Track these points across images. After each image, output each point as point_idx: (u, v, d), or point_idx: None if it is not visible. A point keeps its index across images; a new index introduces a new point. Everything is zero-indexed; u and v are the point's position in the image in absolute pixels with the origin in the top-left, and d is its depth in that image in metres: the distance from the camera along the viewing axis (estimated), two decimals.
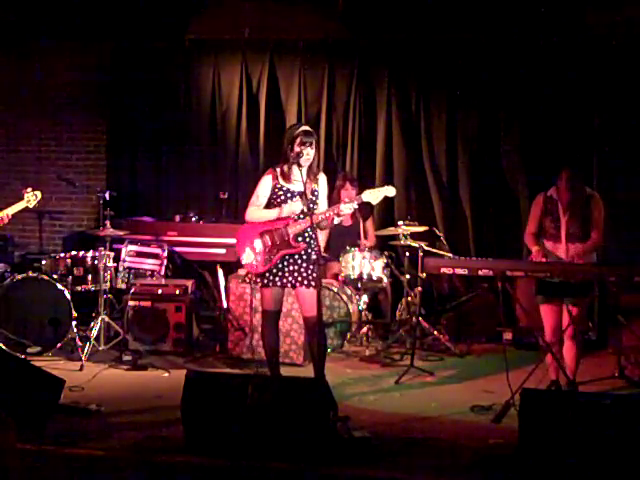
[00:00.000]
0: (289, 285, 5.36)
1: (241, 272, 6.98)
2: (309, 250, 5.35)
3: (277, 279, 5.35)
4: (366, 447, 4.56)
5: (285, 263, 5.33)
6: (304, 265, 5.33)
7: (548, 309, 5.60)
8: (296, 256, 5.33)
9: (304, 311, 5.39)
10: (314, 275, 5.26)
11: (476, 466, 4.35)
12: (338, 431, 4.56)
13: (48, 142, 8.93)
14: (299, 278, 5.32)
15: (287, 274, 5.33)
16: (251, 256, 5.38)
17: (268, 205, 5.43)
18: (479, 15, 7.84)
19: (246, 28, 8.37)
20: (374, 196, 5.30)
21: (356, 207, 5.37)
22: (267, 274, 5.35)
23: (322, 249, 7.03)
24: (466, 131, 8.22)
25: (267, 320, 5.49)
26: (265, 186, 5.42)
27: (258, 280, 5.44)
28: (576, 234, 5.50)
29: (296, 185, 5.33)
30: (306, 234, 5.34)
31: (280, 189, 5.37)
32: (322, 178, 5.47)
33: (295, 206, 5.32)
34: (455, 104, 8.23)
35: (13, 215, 6.73)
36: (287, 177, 5.35)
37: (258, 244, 5.37)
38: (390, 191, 5.35)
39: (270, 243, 5.34)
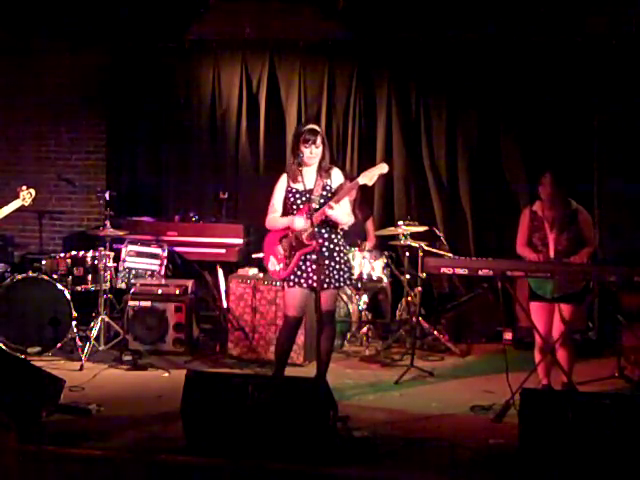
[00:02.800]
0: (314, 285, 5.27)
1: (241, 272, 7.00)
2: (331, 246, 5.33)
3: (302, 280, 5.33)
4: (366, 447, 4.56)
5: (308, 263, 5.32)
6: (326, 263, 5.29)
7: (538, 307, 5.53)
8: (314, 256, 5.23)
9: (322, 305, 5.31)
10: (334, 274, 5.29)
11: (476, 466, 4.35)
12: (338, 431, 4.56)
13: (48, 142, 8.92)
14: (326, 280, 5.28)
15: (311, 274, 5.29)
16: (275, 263, 5.43)
17: (284, 208, 5.45)
18: (479, 15, 7.84)
19: (246, 28, 8.37)
20: (368, 177, 5.25)
21: (355, 188, 5.38)
22: (292, 276, 5.35)
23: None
24: (466, 131, 8.22)
25: (287, 325, 5.44)
26: (278, 192, 5.46)
27: (285, 284, 5.43)
28: (564, 251, 5.43)
29: (302, 185, 5.34)
30: (323, 231, 5.31)
31: (290, 191, 5.41)
32: (336, 172, 5.44)
33: (298, 222, 5.29)
34: (455, 104, 8.23)
35: (12, 214, 6.77)
36: (295, 178, 5.36)
37: (279, 250, 5.42)
38: (382, 168, 5.30)
39: (288, 247, 5.37)
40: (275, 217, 5.46)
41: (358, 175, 5.36)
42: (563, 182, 5.52)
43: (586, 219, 5.53)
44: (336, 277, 5.34)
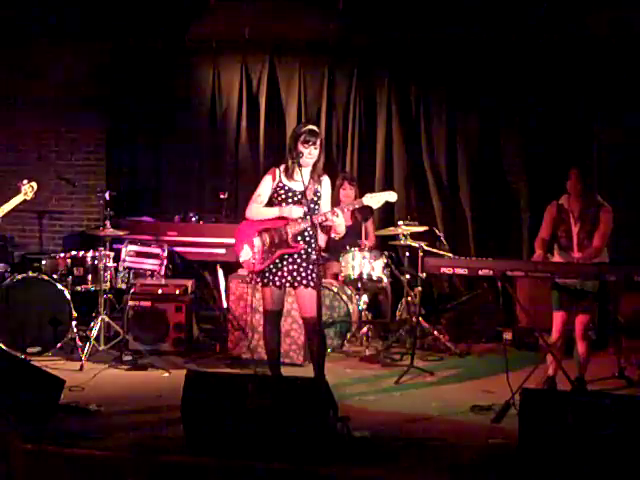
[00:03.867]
0: (288, 285, 5.34)
1: (241, 272, 6.99)
2: (309, 250, 5.32)
3: (276, 279, 5.33)
4: (366, 447, 4.56)
5: (284, 262, 5.32)
6: (303, 265, 5.30)
7: (560, 315, 5.63)
8: (295, 255, 5.31)
9: (302, 311, 5.37)
10: (313, 275, 5.24)
11: (476, 466, 4.35)
12: (338, 431, 4.56)
13: (48, 142, 8.93)
14: (298, 278, 5.30)
15: (286, 274, 5.32)
16: (249, 253, 5.37)
17: (269, 203, 5.43)
18: (479, 15, 7.84)
19: (246, 28, 8.37)
20: (375, 200, 5.26)
21: (355, 207, 5.40)
22: (266, 273, 5.34)
23: (322, 249, 7.10)
24: (466, 131, 8.22)
25: (267, 320, 5.49)
26: (266, 184, 5.42)
27: (258, 279, 5.41)
28: (587, 244, 5.52)
29: (298, 184, 5.30)
30: (306, 234, 5.31)
31: (282, 188, 5.37)
32: (326, 180, 5.43)
33: (296, 211, 5.28)
34: (455, 104, 8.23)
35: (13, 211, 6.78)
36: (290, 175, 5.33)
37: (257, 242, 5.36)
38: (392, 196, 5.34)
39: (269, 242, 5.33)
40: (261, 207, 5.42)
41: (365, 194, 5.36)
42: (589, 177, 5.60)
43: (606, 216, 5.58)
44: (313, 276, 5.28)
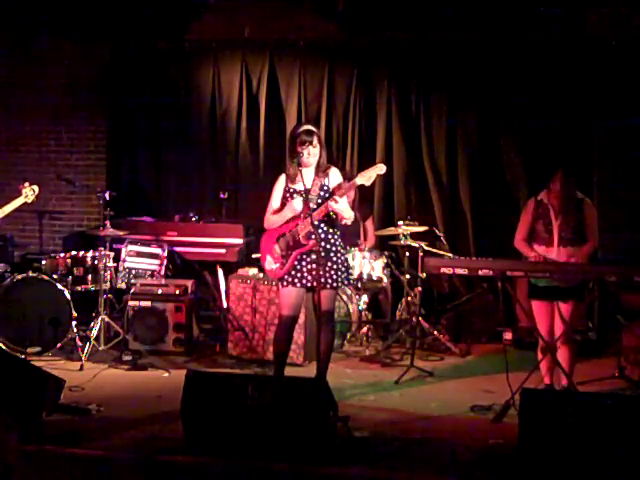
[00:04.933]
0: (308, 285, 5.32)
1: (241, 272, 7.00)
2: (327, 246, 5.33)
3: (296, 280, 5.34)
4: (366, 447, 4.57)
5: (303, 263, 5.33)
6: (321, 264, 5.27)
7: (540, 305, 5.54)
8: (313, 255, 5.25)
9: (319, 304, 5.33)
10: (331, 274, 5.28)
11: (476, 466, 4.36)
12: (338, 431, 4.56)
13: (48, 142, 8.93)
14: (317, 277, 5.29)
15: (306, 273, 5.31)
16: (272, 262, 5.43)
17: (282, 208, 5.45)
18: (479, 15, 7.84)
19: (246, 28, 8.38)
20: (366, 177, 5.23)
21: (352, 189, 5.49)
22: (286, 276, 5.36)
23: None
24: (466, 131, 8.22)
25: (283, 325, 5.44)
26: (277, 191, 5.47)
27: (279, 283, 5.47)
28: (568, 238, 5.47)
29: (301, 185, 5.31)
30: (320, 231, 5.30)
31: (288, 191, 5.41)
32: (333, 171, 5.44)
33: (295, 203, 5.31)
34: (455, 104, 8.23)
35: (13, 213, 6.77)
36: (293, 179, 5.38)
37: (276, 249, 5.42)
38: (381, 169, 5.29)
39: (285, 246, 5.37)
40: (272, 215, 5.45)
41: (356, 175, 5.36)
42: (573, 177, 5.56)
43: (591, 210, 5.56)
44: (333, 277, 5.33)
